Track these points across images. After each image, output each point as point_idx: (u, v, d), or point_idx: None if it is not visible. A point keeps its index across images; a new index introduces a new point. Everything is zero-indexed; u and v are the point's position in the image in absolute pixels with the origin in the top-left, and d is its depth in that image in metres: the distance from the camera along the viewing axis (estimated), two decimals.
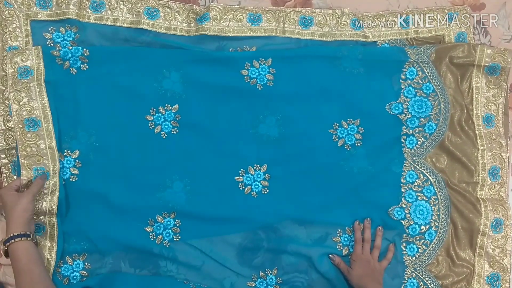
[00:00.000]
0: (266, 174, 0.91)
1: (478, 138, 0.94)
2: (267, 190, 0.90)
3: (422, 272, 0.89)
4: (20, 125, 0.84)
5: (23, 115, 0.84)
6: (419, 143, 0.93)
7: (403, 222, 0.91)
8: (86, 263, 0.86)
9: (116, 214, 0.86)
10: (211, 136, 0.91)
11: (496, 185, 0.94)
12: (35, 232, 0.82)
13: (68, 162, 0.86)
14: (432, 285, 0.89)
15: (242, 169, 0.91)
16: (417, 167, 0.92)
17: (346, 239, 0.90)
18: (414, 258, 0.90)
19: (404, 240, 0.91)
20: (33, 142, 0.84)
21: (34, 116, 0.84)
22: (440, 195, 0.92)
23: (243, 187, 0.90)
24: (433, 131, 0.93)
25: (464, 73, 0.95)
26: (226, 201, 0.89)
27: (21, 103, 0.84)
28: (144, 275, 0.86)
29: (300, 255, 0.88)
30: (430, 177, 0.92)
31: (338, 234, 0.90)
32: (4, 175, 0.87)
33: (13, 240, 0.70)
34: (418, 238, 0.91)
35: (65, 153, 0.87)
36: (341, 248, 0.90)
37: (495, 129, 0.95)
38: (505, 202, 0.93)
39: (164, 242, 0.87)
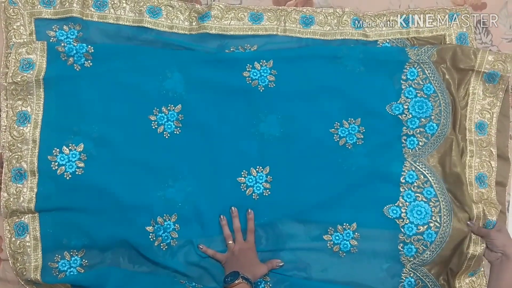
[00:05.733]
0: (269, 177, 0.90)
1: (468, 143, 0.93)
2: (269, 192, 0.90)
3: (421, 272, 0.88)
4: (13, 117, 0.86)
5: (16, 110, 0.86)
6: (420, 143, 0.92)
7: (397, 221, 0.89)
8: (84, 260, 0.86)
9: (118, 211, 0.86)
10: (213, 137, 0.91)
11: (484, 192, 0.92)
12: (20, 231, 0.85)
13: (74, 155, 0.87)
14: (430, 283, 0.88)
15: (244, 170, 0.91)
16: (418, 167, 0.91)
17: (337, 237, 0.89)
18: (412, 258, 0.88)
19: (400, 240, 0.89)
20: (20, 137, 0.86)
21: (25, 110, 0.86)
22: (441, 197, 0.89)
23: (245, 188, 0.90)
24: (435, 131, 0.92)
25: (462, 78, 0.94)
26: (227, 201, 0.89)
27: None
28: (139, 272, 0.86)
29: (299, 252, 0.88)
30: (430, 178, 0.91)
31: (330, 232, 0.89)
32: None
33: (244, 281, 0.77)
34: (416, 239, 0.89)
35: (70, 147, 0.87)
36: (332, 246, 0.89)
37: (487, 137, 0.94)
38: (497, 205, 0.90)
39: (162, 245, 0.87)
